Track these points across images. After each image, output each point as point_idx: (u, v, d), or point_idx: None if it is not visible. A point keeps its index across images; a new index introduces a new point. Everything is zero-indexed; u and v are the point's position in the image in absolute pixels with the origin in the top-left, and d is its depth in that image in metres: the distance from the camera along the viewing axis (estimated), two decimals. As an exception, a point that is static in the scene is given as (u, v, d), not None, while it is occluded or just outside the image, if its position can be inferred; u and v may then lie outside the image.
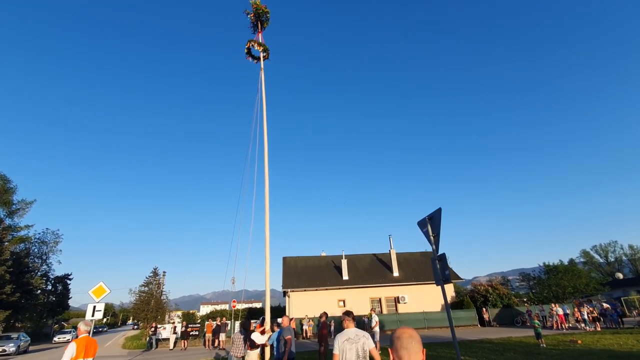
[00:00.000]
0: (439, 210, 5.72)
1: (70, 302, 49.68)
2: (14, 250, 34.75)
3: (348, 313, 4.82)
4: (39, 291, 41.23)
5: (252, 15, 14.67)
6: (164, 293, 55.18)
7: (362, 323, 21.73)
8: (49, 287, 45.58)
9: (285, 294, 29.25)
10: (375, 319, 14.67)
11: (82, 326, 6.31)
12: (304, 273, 31.12)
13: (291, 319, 9.16)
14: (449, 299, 29.34)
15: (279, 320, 9.16)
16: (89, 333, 6.36)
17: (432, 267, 5.88)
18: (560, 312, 20.64)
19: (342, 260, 30.76)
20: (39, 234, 42.67)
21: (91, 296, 11.32)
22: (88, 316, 10.92)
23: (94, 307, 11.05)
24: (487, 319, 25.53)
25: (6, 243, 32.31)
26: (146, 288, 54.67)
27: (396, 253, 31.99)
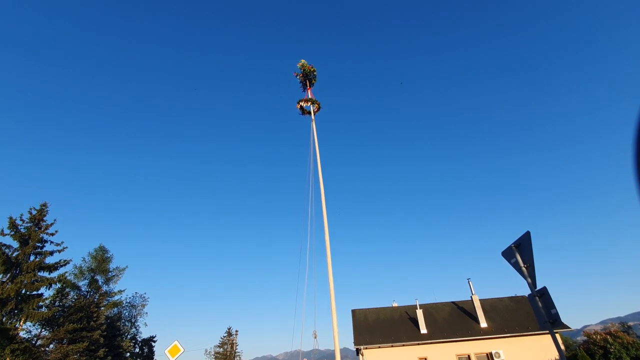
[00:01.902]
0: (526, 235, 4.84)
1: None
2: (108, 314, 38.25)
3: None
4: (127, 354, 43.94)
5: (300, 75, 15.99)
6: (237, 354, 55.15)
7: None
8: (137, 350, 48.45)
9: (358, 352, 26.97)
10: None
11: None
12: (376, 327, 28.69)
13: None
14: (557, 353, 24.27)
15: None
16: None
17: (532, 308, 4.83)
18: None
19: (417, 311, 27.88)
20: (130, 298, 46.85)
21: (167, 356, 11.56)
22: (165, 377, 11.05)
23: (170, 367, 11.21)
24: (615, 378, 20.23)
25: (102, 308, 35.81)
26: (221, 349, 55.35)
27: (480, 300, 28.15)
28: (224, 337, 56.55)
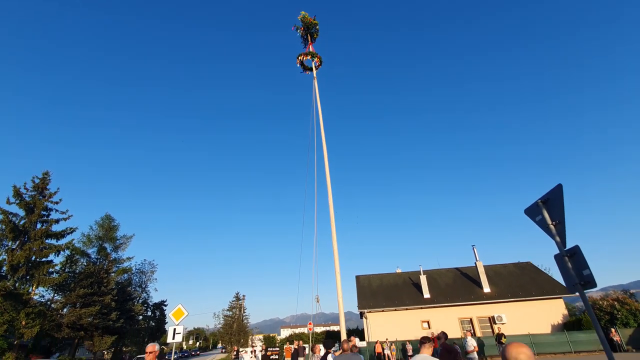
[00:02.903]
0: (557, 189, 4.18)
1: (166, 327, 54.38)
2: (118, 280, 39.37)
3: (423, 339, 4.47)
4: (140, 317, 45.79)
5: (301, 29, 14.75)
6: (245, 316, 57.38)
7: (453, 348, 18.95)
8: (149, 313, 50.51)
9: (362, 315, 27.55)
10: (472, 342, 12.36)
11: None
12: (380, 292, 29.11)
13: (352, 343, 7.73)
14: (559, 318, 24.50)
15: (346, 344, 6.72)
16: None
17: (559, 270, 4.28)
18: None
19: (421, 277, 28.07)
20: (139, 265, 48.12)
21: (171, 319, 11.56)
22: (169, 339, 11.10)
23: (174, 329, 11.21)
24: (619, 341, 20.32)
25: (112, 274, 36.77)
26: (230, 312, 57.59)
27: (484, 266, 28.14)
28: (233, 301, 58.62)
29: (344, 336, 8.50)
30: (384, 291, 29.17)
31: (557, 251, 4.22)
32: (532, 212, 4.65)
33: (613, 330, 20.62)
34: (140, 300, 46.30)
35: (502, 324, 24.53)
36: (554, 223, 4.25)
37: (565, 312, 24.93)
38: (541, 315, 24.58)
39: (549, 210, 4.34)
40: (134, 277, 45.84)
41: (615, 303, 21.83)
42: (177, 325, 11.37)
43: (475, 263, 28.07)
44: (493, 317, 25.24)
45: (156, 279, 49.79)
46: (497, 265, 30.51)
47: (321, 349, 11.27)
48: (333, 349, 7.53)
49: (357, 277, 32.14)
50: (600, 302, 22.40)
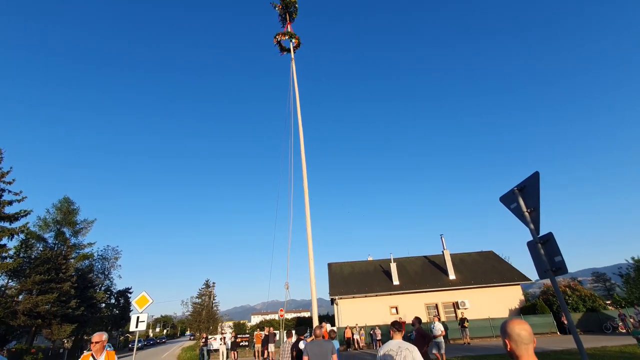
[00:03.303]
0: (534, 177, 4.20)
1: (131, 315, 52.71)
2: (78, 267, 37.37)
3: (394, 324, 4.45)
4: (103, 305, 43.95)
5: (279, 7, 14.11)
6: (214, 304, 56.61)
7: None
8: (112, 301, 48.58)
9: (333, 301, 27.94)
10: (439, 327, 12.81)
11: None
12: (351, 279, 29.61)
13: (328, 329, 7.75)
14: (517, 303, 26.10)
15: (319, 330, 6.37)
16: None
17: (531, 256, 4.33)
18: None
19: (391, 264, 28.79)
20: (101, 250, 45.89)
21: (134, 306, 11.00)
22: (132, 327, 10.58)
23: (137, 317, 10.69)
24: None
25: (71, 260, 34.81)
26: (199, 299, 56.59)
27: (450, 254, 29.30)
28: (202, 288, 57.59)
29: (316, 322, 8.44)
30: (355, 278, 29.69)
31: (531, 238, 4.27)
32: (508, 199, 4.67)
33: (564, 314, 22.24)
34: (103, 288, 44.39)
35: (465, 309, 25.76)
36: (529, 210, 4.28)
37: (522, 297, 26.59)
38: (501, 301, 26.05)
39: (524, 197, 4.36)
40: (96, 264, 43.78)
41: (567, 289, 23.56)
42: (141, 313, 10.84)
43: (442, 251, 29.14)
44: (457, 303, 26.46)
45: (120, 265, 47.95)
46: (462, 254, 31.89)
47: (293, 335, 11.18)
48: (305, 335, 7.42)
49: (330, 265, 32.47)
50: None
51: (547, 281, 33.96)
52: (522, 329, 2.12)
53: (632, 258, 28.03)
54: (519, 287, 26.97)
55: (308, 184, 10.82)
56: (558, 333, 22.47)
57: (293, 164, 11.55)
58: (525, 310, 24.97)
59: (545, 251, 4.05)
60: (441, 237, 29.52)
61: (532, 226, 4.22)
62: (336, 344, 7.22)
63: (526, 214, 4.28)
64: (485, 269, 28.93)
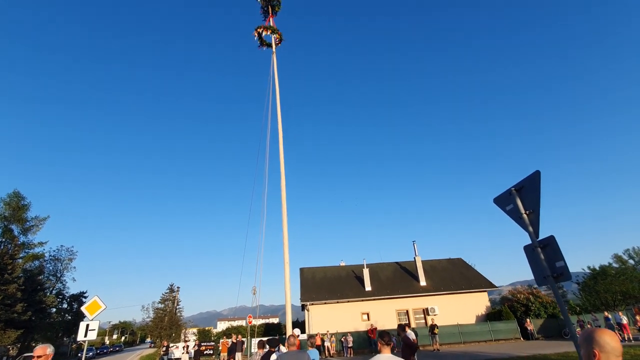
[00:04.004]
0: (535, 176, 3.92)
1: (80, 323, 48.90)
2: (27, 267, 34.14)
3: (382, 335, 4.07)
4: (53, 310, 40.43)
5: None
6: (178, 309, 53.83)
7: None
8: (65, 306, 44.85)
9: (303, 307, 27.24)
10: (411, 335, 12.52)
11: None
12: (323, 285, 29.10)
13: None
14: (483, 309, 26.72)
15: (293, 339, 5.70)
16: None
17: (528, 261, 4.04)
18: (625, 320, 17.89)
19: (364, 270, 28.61)
20: (54, 251, 42.25)
21: (85, 313, 9.83)
22: (80, 337, 9.41)
23: (87, 325, 9.54)
24: (531, 330, 22.75)
25: (19, 260, 31.69)
26: (162, 305, 53.53)
27: (422, 261, 29.61)
28: (166, 293, 54.59)
29: (289, 329, 7.84)
30: (327, 284, 29.21)
31: (529, 241, 3.99)
32: (503, 201, 4.39)
33: (528, 320, 23.01)
34: (54, 291, 40.87)
35: (435, 315, 26.02)
36: (527, 212, 4.00)
37: (488, 304, 27.29)
38: (468, 307, 26.58)
39: (522, 198, 4.09)
40: (47, 265, 40.22)
41: (531, 296, 24.44)
42: (92, 320, 9.69)
43: (414, 258, 29.38)
44: (427, 309, 26.66)
45: (75, 267, 44.28)
46: (433, 260, 32.37)
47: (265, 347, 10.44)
48: (277, 349, 6.61)
49: (302, 270, 31.80)
50: (518, 295, 24.92)
51: (509, 288, 35.03)
52: (616, 341, 1.93)
53: (588, 267, 29.70)
54: (485, 293, 27.68)
55: (286, 188, 10.27)
56: (522, 339, 23.16)
57: (268, 165, 10.96)
58: (491, 316, 25.60)
59: (546, 256, 3.77)
60: (413, 244, 29.81)
61: (530, 229, 3.94)
62: (315, 353, 6.64)
63: (524, 216, 4.00)
64: (454, 276, 29.48)
